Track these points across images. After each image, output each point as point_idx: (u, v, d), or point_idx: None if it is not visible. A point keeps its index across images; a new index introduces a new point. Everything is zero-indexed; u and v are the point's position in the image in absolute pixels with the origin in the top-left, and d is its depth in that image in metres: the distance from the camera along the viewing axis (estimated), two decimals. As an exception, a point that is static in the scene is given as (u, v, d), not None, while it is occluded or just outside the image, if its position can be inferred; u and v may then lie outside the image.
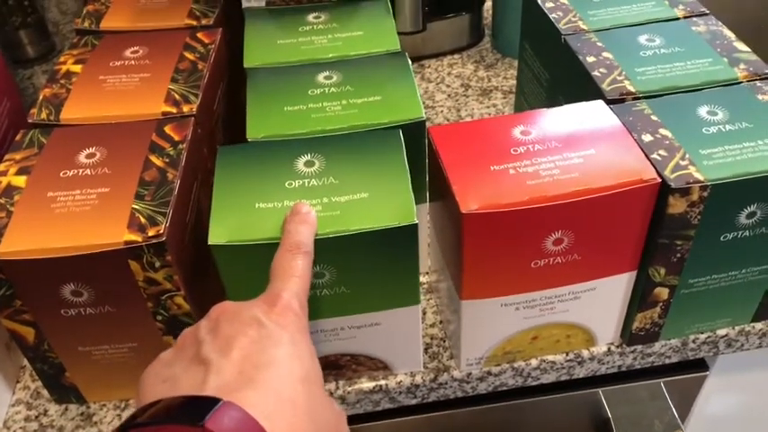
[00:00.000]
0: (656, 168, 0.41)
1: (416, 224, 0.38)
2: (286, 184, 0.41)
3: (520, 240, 0.41)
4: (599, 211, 0.40)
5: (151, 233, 0.39)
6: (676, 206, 0.41)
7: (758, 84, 0.47)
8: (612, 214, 0.41)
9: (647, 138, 0.43)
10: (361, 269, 0.40)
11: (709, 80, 0.47)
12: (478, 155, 0.42)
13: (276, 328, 0.33)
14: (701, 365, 0.57)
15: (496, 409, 0.56)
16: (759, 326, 0.51)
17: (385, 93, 0.47)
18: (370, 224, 0.38)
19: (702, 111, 0.45)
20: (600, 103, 0.46)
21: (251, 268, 0.39)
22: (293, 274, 0.35)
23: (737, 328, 0.51)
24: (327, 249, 0.38)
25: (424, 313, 0.53)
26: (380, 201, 0.39)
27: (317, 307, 0.42)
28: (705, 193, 0.40)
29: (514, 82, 0.75)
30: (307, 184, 0.41)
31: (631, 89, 0.47)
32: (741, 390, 0.63)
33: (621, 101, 0.46)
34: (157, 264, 0.40)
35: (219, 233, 0.38)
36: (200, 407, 0.29)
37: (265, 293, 0.35)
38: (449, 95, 0.74)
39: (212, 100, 0.52)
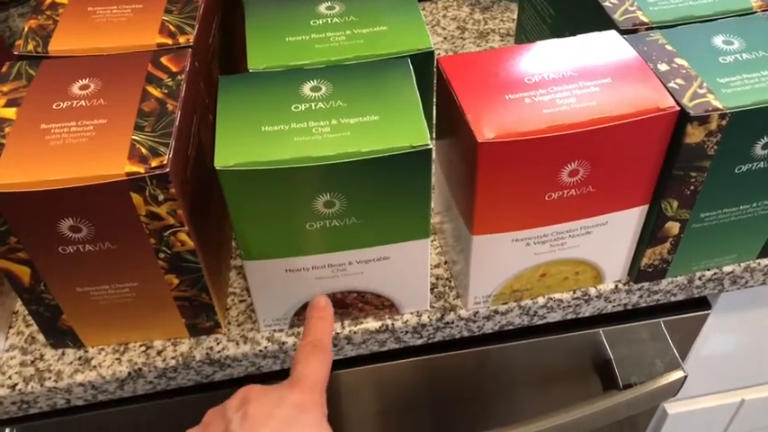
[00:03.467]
0: (673, 97, 0.40)
1: (430, 147, 0.37)
2: (292, 108, 0.39)
3: (535, 171, 0.40)
4: (616, 141, 0.39)
5: (154, 164, 0.37)
6: (694, 135, 0.40)
7: (772, 14, 0.46)
8: (629, 144, 0.40)
9: (663, 67, 0.42)
10: (373, 197, 0.39)
11: (723, 10, 0.46)
12: (492, 84, 0.41)
13: (302, 412, 0.35)
14: (703, 304, 0.58)
15: (498, 350, 0.56)
16: (765, 262, 0.51)
17: (390, 23, 0.45)
18: (382, 145, 0.37)
19: (718, 40, 0.44)
20: (613, 32, 0.44)
21: (258, 195, 0.37)
22: (313, 365, 0.38)
23: (743, 264, 0.51)
24: (339, 175, 0.37)
25: (429, 254, 0.52)
26: (392, 123, 0.38)
27: (327, 240, 0.40)
28: (724, 122, 0.39)
29: (511, 25, 0.74)
30: (314, 107, 0.39)
31: (644, 19, 0.45)
32: (740, 328, 0.63)
33: (634, 31, 0.45)
34: (161, 197, 0.38)
35: (226, 156, 0.37)
36: None
37: (290, 378, 0.37)
38: (445, 38, 0.72)
39: (208, 33, 0.50)
